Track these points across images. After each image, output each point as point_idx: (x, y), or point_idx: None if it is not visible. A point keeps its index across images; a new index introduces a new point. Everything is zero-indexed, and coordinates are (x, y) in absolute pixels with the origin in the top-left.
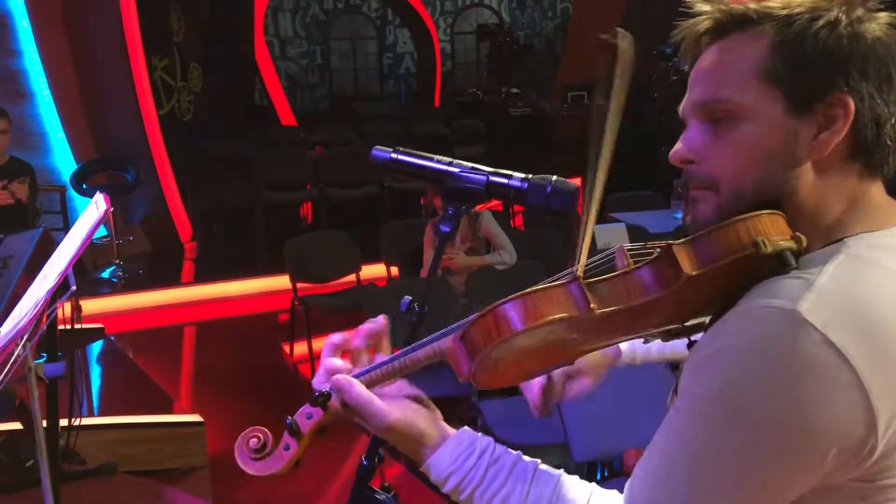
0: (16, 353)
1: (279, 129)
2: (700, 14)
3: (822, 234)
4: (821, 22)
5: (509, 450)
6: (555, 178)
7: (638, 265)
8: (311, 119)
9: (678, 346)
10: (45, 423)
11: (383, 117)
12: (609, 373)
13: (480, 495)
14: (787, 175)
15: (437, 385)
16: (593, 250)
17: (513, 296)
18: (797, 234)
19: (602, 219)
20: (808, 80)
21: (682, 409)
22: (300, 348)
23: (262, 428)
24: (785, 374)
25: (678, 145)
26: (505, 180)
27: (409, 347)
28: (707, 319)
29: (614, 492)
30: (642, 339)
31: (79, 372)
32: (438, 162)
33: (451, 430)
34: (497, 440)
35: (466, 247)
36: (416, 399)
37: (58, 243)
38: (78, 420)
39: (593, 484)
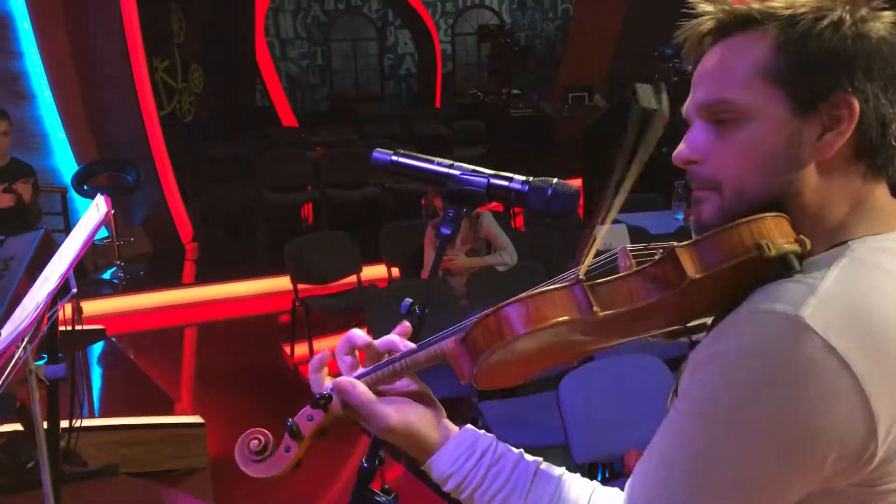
0: (16, 356)
1: (280, 129)
2: (703, 14)
3: (825, 236)
4: (825, 22)
5: (511, 448)
6: (555, 180)
7: (641, 267)
8: (311, 120)
9: None
10: (45, 425)
11: (384, 118)
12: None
13: (481, 496)
14: (791, 176)
15: (437, 386)
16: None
17: (515, 298)
18: (801, 237)
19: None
20: (812, 80)
21: (682, 410)
22: (301, 349)
23: (263, 430)
24: (786, 378)
25: (681, 146)
26: (506, 183)
27: (410, 349)
28: (709, 320)
29: (616, 489)
30: (644, 341)
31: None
32: (439, 164)
33: (453, 430)
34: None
35: (467, 248)
36: (421, 395)
37: (59, 245)
38: (79, 421)
39: (595, 482)
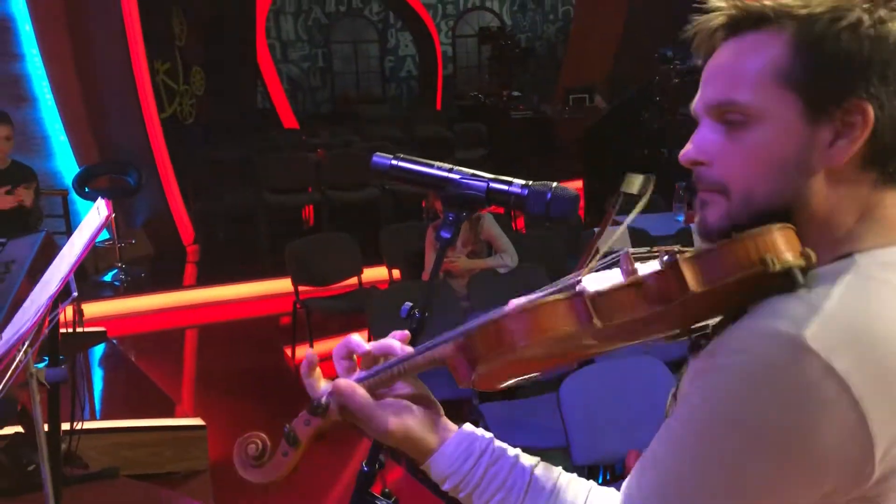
0: (18, 359)
1: (281, 131)
2: (715, 10)
3: (831, 246)
4: (843, 23)
5: (509, 448)
6: (555, 184)
7: (643, 278)
8: (312, 122)
9: None
10: (46, 427)
11: (385, 120)
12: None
13: (479, 496)
14: (800, 183)
15: (437, 387)
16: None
17: (515, 308)
18: (807, 250)
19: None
20: (828, 84)
21: (681, 416)
22: (302, 351)
23: (260, 433)
24: (785, 395)
25: (688, 146)
26: (505, 187)
27: (409, 353)
28: (710, 321)
29: (612, 489)
30: (644, 345)
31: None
32: (439, 169)
33: (452, 430)
34: None
35: (468, 250)
36: (420, 397)
37: (60, 247)
38: (80, 424)
39: (592, 482)
